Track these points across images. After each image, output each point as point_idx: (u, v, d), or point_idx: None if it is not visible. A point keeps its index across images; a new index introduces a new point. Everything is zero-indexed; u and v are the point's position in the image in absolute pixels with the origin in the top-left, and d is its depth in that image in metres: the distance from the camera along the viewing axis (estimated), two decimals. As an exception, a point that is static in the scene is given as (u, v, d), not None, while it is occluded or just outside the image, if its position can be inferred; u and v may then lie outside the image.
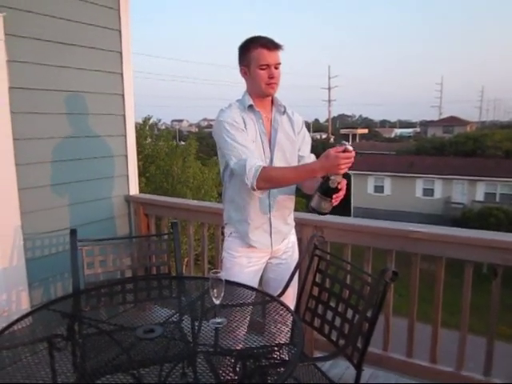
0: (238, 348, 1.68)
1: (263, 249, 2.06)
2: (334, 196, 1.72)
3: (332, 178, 1.68)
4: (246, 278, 2.01)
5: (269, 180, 1.83)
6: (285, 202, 2.06)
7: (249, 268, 2.05)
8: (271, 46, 1.87)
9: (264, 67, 1.88)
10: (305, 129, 2.13)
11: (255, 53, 1.88)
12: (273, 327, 1.83)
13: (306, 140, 2.12)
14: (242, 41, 1.94)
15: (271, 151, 1.98)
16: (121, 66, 3.21)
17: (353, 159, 1.66)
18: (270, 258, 2.13)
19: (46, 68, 2.76)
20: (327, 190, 1.71)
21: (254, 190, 1.84)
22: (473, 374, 2.25)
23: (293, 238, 2.21)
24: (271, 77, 1.89)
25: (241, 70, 1.96)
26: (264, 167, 1.81)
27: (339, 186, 1.70)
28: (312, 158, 2.07)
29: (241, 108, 1.96)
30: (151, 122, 16.50)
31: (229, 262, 2.07)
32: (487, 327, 2.24)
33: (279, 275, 2.12)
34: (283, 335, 1.78)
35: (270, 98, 1.99)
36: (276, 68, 1.90)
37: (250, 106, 1.95)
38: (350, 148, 1.63)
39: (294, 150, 2.06)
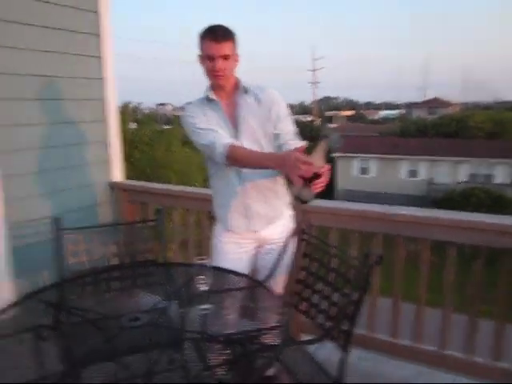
0: (225, 333, 1.69)
1: (243, 233, 2.07)
2: (315, 182, 1.59)
3: (312, 160, 1.56)
4: (235, 264, 2.02)
5: (235, 159, 1.86)
6: (262, 184, 2.01)
7: (237, 254, 2.07)
8: (215, 37, 1.86)
9: (209, 58, 1.88)
10: (279, 105, 2.00)
11: (203, 42, 1.90)
12: (260, 312, 1.84)
13: (280, 116, 2.00)
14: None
15: (237, 138, 1.96)
16: (99, 49, 3.13)
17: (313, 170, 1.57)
18: (259, 246, 2.13)
19: (16, 52, 2.67)
20: (308, 177, 1.58)
21: (226, 165, 1.90)
22: (455, 353, 2.30)
23: (287, 227, 2.14)
24: (214, 69, 1.89)
25: (198, 58, 1.96)
26: (231, 145, 1.86)
27: (319, 172, 1.58)
28: (290, 134, 2.01)
29: (201, 100, 2.01)
30: (132, 105, 16.21)
31: (217, 248, 2.11)
32: (469, 305, 2.28)
33: (269, 263, 2.11)
34: (270, 320, 1.80)
35: (232, 83, 1.98)
36: (225, 59, 1.88)
37: (207, 98, 1.98)
38: (318, 166, 1.55)
39: (266, 131, 1.99)
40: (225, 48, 1.87)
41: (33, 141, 2.80)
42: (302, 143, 1.95)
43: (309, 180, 1.58)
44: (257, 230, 2.08)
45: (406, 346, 2.42)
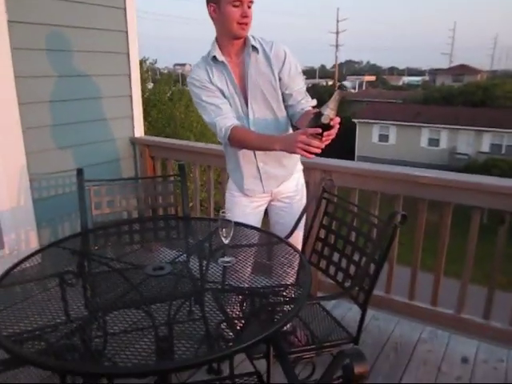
0: (246, 287, 1.71)
1: (257, 194, 2.07)
2: (324, 134, 1.56)
3: (325, 113, 1.53)
4: (247, 218, 2.03)
5: (237, 141, 1.85)
6: None
7: (249, 209, 2.08)
8: None
9: (237, 3, 1.72)
10: (289, 61, 1.88)
11: None
12: (279, 268, 1.85)
13: (291, 74, 1.89)
14: None
15: (246, 99, 1.90)
16: (123, 1, 3.06)
17: (321, 145, 1.58)
18: (272, 201, 2.14)
19: (45, 1, 2.63)
20: (318, 127, 1.55)
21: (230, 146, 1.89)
22: (473, 317, 2.31)
23: (298, 180, 2.14)
24: (244, 15, 1.74)
25: (209, 8, 1.79)
26: (233, 129, 1.81)
27: (331, 123, 1.54)
28: (301, 93, 1.92)
29: (207, 61, 1.89)
30: (148, 63, 15.92)
31: (229, 202, 2.13)
32: (487, 275, 2.27)
33: (282, 218, 2.13)
34: (289, 276, 1.81)
35: (242, 39, 1.85)
36: (249, 7, 1.75)
37: (214, 58, 1.86)
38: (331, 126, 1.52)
39: (276, 90, 1.90)
40: None
41: (56, 93, 2.79)
42: (313, 102, 1.92)
43: (320, 132, 1.55)
44: (271, 190, 2.08)
45: (421, 307, 2.43)
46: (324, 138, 1.57)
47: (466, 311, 2.33)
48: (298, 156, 2.09)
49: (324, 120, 1.53)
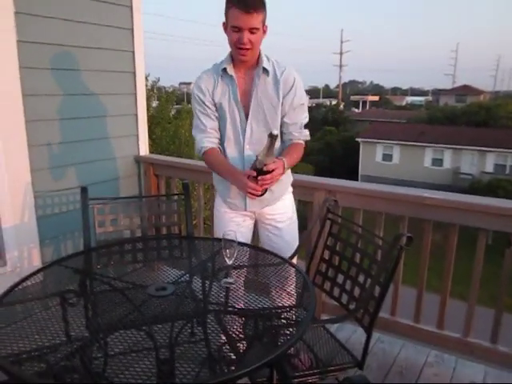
0: (249, 308, 1.68)
1: (239, 211, 2.06)
2: (259, 178, 1.65)
3: (259, 158, 1.62)
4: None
5: (207, 163, 1.99)
6: None
7: (234, 224, 2.05)
8: (244, 7, 1.70)
9: (236, 29, 1.74)
10: (295, 90, 1.90)
11: (230, 11, 1.74)
12: (283, 290, 1.82)
13: (293, 104, 1.91)
14: None
15: (246, 115, 1.91)
16: (131, 22, 3.11)
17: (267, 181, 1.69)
18: (259, 222, 2.13)
19: (53, 21, 2.67)
20: (255, 169, 1.65)
21: None
22: (480, 341, 2.26)
23: (285, 203, 2.10)
24: (240, 42, 1.75)
25: (223, 24, 1.83)
26: (207, 150, 1.92)
27: (265, 168, 1.62)
28: (297, 125, 1.94)
29: (217, 71, 1.91)
30: (151, 82, 16.00)
31: (216, 218, 2.15)
32: (494, 297, 2.23)
33: (275, 243, 2.08)
34: (293, 298, 1.78)
35: (255, 57, 1.86)
36: (252, 32, 1.75)
37: (224, 70, 1.88)
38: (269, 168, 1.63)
39: (277, 114, 1.91)
40: (254, 20, 1.73)
41: (62, 111, 2.81)
42: (305, 137, 1.97)
43: (257, 176, 1.66)
44: (254, 211, 2.07)
45: (427, 330, 2.38)
46: (259, 182, 1.68)
47: (473, 335, 2.29)
48: (289, 181, 2.11)
49: (258, 165, 1.64)
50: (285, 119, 1.93)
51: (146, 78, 15.33)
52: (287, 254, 2.02)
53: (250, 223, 2.13)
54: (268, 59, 1.89)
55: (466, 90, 44.26)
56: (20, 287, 1.62)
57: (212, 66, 1.96)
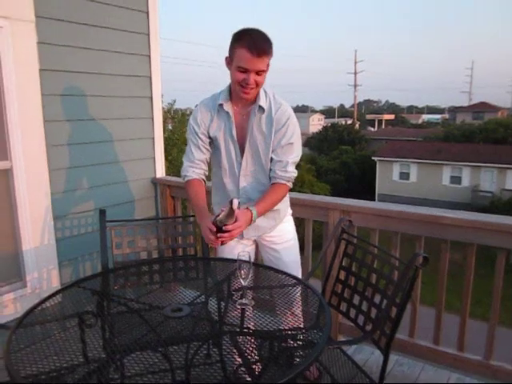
0: (264, 329, 1.68)
1: (237, 238, 2.01)
2: (218, 235, 1.68)
3: (220, 217, 1.66)
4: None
5: (186, 191, 2.01)
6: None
7: (235, 250, 2.01)
8: (255, 51, 1.70)
9: (242, 70, 1.75)
10: (286, 130, 1.89)
11: (238, 51, 1.73)
12: (299, 311, 1.82)
13: (281, 143, 1.90)
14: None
15: (242, 149, 1.94)
16: (148, 48, 3.21)
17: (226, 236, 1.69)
18: (259, 244, 2.15)
19: (74, 50, 2.78)
20: (216, 225, 1.68)
21: None
22: (503, 364, 2.20)
23: (283, 228, 2.11)
24: (246, 83, 1.76)
25: (226, 59, 1.83)
26: (188, 181, 1.97)
27: (224, 228, 1.66)
28: (282, 163, 1.91)
29: (213, 105, 1.93)
30: (166, 104, 16.23)
31: (219, 248, 2.12)
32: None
33: (277, 266, 2.06)
34: (309, 319, 1.78)
35: (254, 95, 1.86)
36: (258, 74, 1.76)
37: (220, 105, 1.90)
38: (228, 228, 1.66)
39: (269, 150, 1.92)
40: (261, 63, 1.74)
41: (81, 136, 2.89)
42: (289, 177, 1.93)
43: (217, 231, 1.69)
44: (249, 238, 2.08)
45: (447, 352, 2.33)
46: (219, 235, 1.70)
47: (495, 357, 2.23)
48: (286, 208, 2.12)
49: (218, 223, 1.67)
50: (272, 155, 1.93)
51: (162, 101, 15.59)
52: (290, 268, 2.03)
53: (251, 248, 2.14)
54: (265, 95, 1.89)
55: (483, 107, 43.93)
56: (39, 308, 1.65)
57: (211, 96, 1.97)
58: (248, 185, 1.98)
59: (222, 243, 1.75)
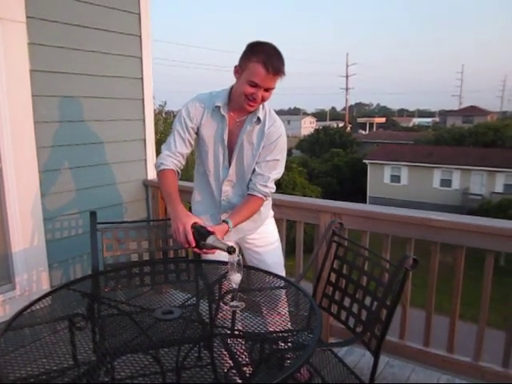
0: (255, 331, 1.68)
1: None
2: (203, 250, 1.66)
3: (208, 238, 1.62)
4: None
5: (158, 180, 1.94)
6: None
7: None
8: (272, 69, 1.70)
9: (253, 84, 1.74)
10: (275, 148, 1.91)
11: (253, 65, 1.71)
12: (289, 313, 1.82)
13: (267, 158, 1.91)
14: (253, 39, 1.80)
15: (230, 155, 1.94)
16: (140, 50, 3.20)
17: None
18: (241, 246, 2.15)
19: (65, 51, 2.76)
20: (198, 239, 1.65)
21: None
22: (491, 365, 2.22)
23: (263, 229, 2.12)
24: (254, 97, 1.76)
25: (235, 67, 1.82)
26: (163, 170, 1.89)
27: (203, 247, 1.64)
28: (263, 177, 1.91)
29: (210, 104, 1.90)
30: (157, 105, 16.22)
31: None
32: (508, 319, 2.20)
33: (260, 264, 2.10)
34: (299, 321, 1.78)
35: None
36: (266, 91, 1.77)
37: (217, 108, 1.88)
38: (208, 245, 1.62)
39: (253, 161, 1.94)
40: (274, 82, 1.76)
41: (72, 137, 2.87)
42: (266, 192, 1.93)
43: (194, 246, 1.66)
44: (230, 240, 2.06)
45: (437, 354, 2.35)
46: (195, 249, 1.67)
47: (485, 358, 2.25)
48: (268, 211, 2.13)
49: (202, 245, 1.63)
50: (255, 167, 1.94)
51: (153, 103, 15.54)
52: (275, 268, 2.03)
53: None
54: (263, 107, 1.89)
55: (472, 111, 44.38)
56: (29, 311, 1.64)
57: (208, 94, 1.94)
58: (230, 189, 2.01)
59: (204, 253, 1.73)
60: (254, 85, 1.74)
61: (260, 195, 1.93)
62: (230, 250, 1.55)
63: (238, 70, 1.80)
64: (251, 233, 2.09)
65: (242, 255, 2.21)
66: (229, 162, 1.95)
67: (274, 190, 1.98)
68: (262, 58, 1.69)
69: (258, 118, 1.88)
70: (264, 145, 1.90)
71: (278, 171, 1.96)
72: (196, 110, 1.92)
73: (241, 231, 2.03)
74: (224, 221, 1.80)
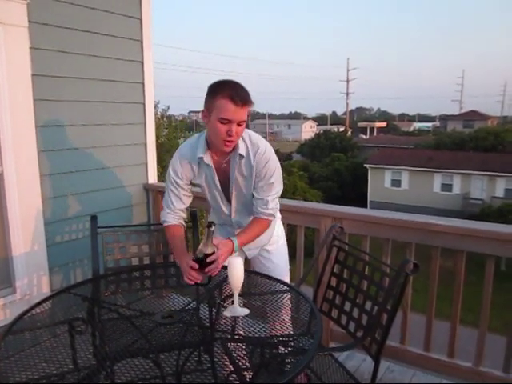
0: (255, 336, 1.68)
1: None
2: (206, 270, 1.69)
3: (199, 247, 1.67)
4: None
5: (166, 235, 2.04)
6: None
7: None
8: (239, 101, 1.67)
9: (225, 121, 1.70)
10: (267, 172, 1.89)
11: (220, 102, 1.69)
12: (289, 317, 1.82)
13: (260, 183, 1.91)
14: (212, 81, 1.76)
15: (227, 194, 1.99)
16: (141, 55, 3.21)
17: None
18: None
19: (67, 55, 2.77)
20: (196, 259, 1.69)
21: None
22: (492, 371, 2.22)
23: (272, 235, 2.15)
24: (230, 134, 1.72)
25: (202, 112, 1.80)
26: (167, 226, 1.99)
27: (208, 260, 1.66)
28: (262, 202, 1.93)
29: (193, 158, 1.90)
30: (160, 110, 16.33)
31: None
32: (509, 324, 2.20)
33: (265, 267, 2.13)
34: (300, 326, 1.78)
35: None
36: (239, 125, 1.73)
37: (200, 158, 1.88)
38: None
39: (251, 189, 1.95)
40: (244, 113, 1.72)
41: (73, 141, 2.88)
42: (268, 214, 1.94)
43: (200, 265, 1.69)
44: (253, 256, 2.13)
45: (438, 359, 2.34)
46: (208, 270, 1.71)
47: (485, 364, 2.25)
48: (278, 218, 2.15)
49: (198, 254, 1.67)
50: (253, 192, 1.95)
51: (156, 106, 15.68)
52: (278, 275, 2.03)
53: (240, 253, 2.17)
54: (242, 140, 1.87)
55: (473, 116, 44.41)
56: (29, 315, 1.64)
57: (189, 147, 1.93)
58: (237, 215, 2.06)
59: (212, 275, 1.76)
60: (226, 121, 1.70)
61: (265, 217, 1.95)
62: (211, 224, 1.62)
63: (206, 114, 1.77)
64: (268, 241, 2.11)
65: (246, 258, 2.22)
66: (228, 199, 2.00)
67: (277, 207, 2.01)
68: (228, 93, 1.67)
69: (241, 155, 1.86)
70: (256, 172, 1.90)
71: (276, 191, 1.96)
72: (183, 169, 1.93)
73: (259, 243, 2.06)
74: (229, 238, 1.82)
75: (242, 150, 1.85)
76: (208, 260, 1.67)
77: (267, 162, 1.88)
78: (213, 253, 1.68)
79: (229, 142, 1.75)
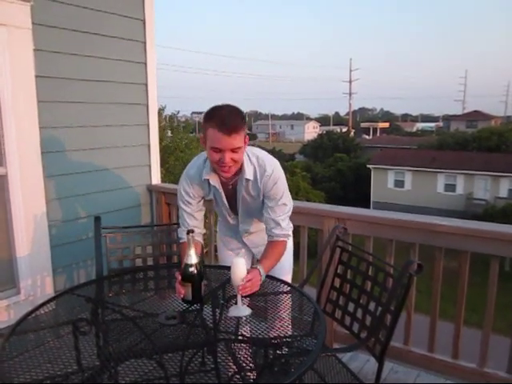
0: (258, 337, 1.68)
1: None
2: (241, 287, 1.65)
3: (187, 262, 1.65)
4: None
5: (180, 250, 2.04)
6: (258, 234, 2.13)
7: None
8: (226, 129, 1.65)
9: (216, 150, 1.70)
10: (276, 194, 1.88)
11: (209, 132, 1.69)
12: (293, 318, 1.82)
13: (271, 203, 1.90)
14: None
15: (235, 211, 2.03)
16: (144, 56, 3.22)
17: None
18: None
19: (70, 57, 2.78)
20: (181, 270, 1.69)
21: None
22: (496, 371, 2.21)
23: None
24: (222, 162, 1.71)
25: (201, 137, 1.81)
26: (182, 243, 1.99)
27: (241, 286, 1.64)
28: (272, 220, 1.91)
29: (200, 179, 1.91)
30: (168, 113, 16.47)
31: (219, 248, 2.31)
32: (510, 325, 2.19)
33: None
34: (303, 326, 1.78)
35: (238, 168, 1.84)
36: (234, 151, 1.70)
37: (206, 180, 1.90)
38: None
39: (260, 205, 1.96)
40: (235, 141, 1.68)
41: (77, 143, 2.89)
42: (280, 234, 1.93)
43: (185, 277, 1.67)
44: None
45: (442, 360, 2.34)
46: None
47: (490, 365, 2.24)
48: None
49: (184, 266, 1.66)
50: (264, 212, 1.95)
51: (162, 109, 15.74)
52: (281, 275, 2.03)
53: (247, 252, 2.21)
54: (249, 162, 1.85)
55: (476, 116, 44.31)
56: (33, 315, 1.64)
57: (195, 169, 1.93)
58: (245, 225, 2.11)
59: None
60: (218, 150, 1.70)
61: (280, 239, 1.94)
62: (189, 232, 1.65)
63: (203, 140, 1.77)
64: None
65: (253, 256, 2.26)
66: (236, 213, 2.05)
67: (291, 227, 2.00)
68: (216, 122, 1.66)
69: (247, 179, 1.86)
70: (264, 193, 1.90)
71: (287, 209, 1.96)
72: (193, 189, 1.95)
73: (255, 245, 2.15)
74: (256, 268, 1.79)
75: (248, 174, 1.84)
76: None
77: (275, 183, 1.87)
78: (196, 263, 1.66)
79: (224, 168, 1.74)
